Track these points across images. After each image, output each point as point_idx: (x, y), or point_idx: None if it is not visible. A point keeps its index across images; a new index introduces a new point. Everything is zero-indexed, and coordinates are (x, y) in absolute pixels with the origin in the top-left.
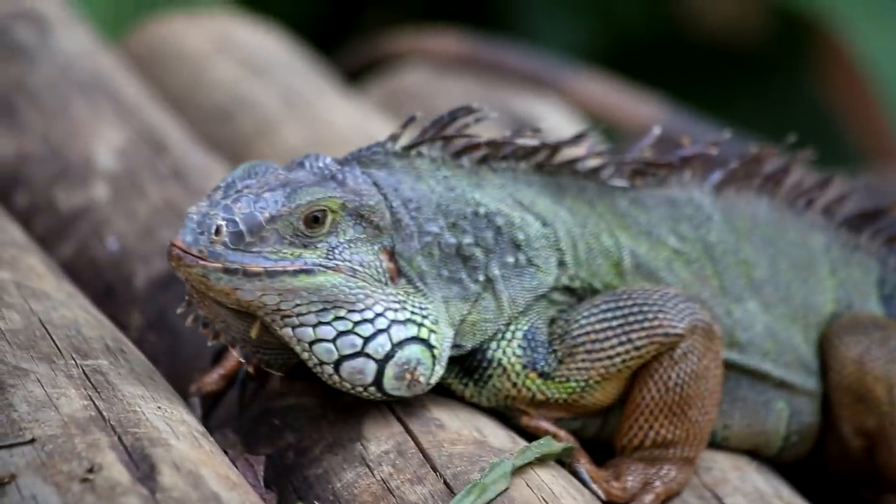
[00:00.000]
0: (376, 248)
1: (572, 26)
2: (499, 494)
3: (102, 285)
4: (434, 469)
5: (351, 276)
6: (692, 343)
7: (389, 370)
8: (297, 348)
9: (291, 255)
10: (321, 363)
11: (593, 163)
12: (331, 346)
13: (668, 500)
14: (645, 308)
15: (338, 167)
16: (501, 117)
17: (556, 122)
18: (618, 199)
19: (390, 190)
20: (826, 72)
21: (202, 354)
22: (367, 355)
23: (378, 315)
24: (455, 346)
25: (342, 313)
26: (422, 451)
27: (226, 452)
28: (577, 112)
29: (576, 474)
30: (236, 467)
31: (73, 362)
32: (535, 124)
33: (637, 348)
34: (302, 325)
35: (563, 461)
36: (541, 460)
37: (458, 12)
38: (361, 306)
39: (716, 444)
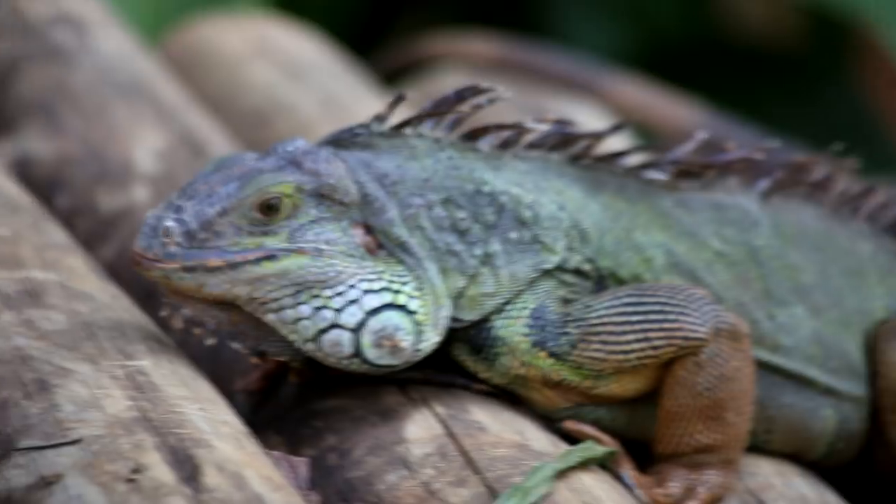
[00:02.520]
0: (344, 224)
1: (608, 29)
2: (541, 497)
3: (144, 287)
4: (476, 472)
5: (317, 255)
6: (717, 346)
7: (365, 339)
8: (284, 332)
9: (252, 244)
10: (305, 341)
11: (635, 160)
12: (308, 322)
13: None
14: (667, 308)
15: (303, 151)
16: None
17: (593, 125)
18: (661, 200)
19: (359, 166)
20: (867, 74)
21: (244, 356)
22: (340, 326)
23: (351, 287)
24: (453, 318)
25: (315, 292)
26: (464, 453)
27: (268, 454)
28: (614, 115)
29: (619, 479)
30: (279, 468)
31: (116, 363)
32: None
33: (654, 347)
34: (281, 308)
35: (606, 466)
36: (583, 464)
37: (494, 15)
38: (333, 282)
39: (755, 447)
